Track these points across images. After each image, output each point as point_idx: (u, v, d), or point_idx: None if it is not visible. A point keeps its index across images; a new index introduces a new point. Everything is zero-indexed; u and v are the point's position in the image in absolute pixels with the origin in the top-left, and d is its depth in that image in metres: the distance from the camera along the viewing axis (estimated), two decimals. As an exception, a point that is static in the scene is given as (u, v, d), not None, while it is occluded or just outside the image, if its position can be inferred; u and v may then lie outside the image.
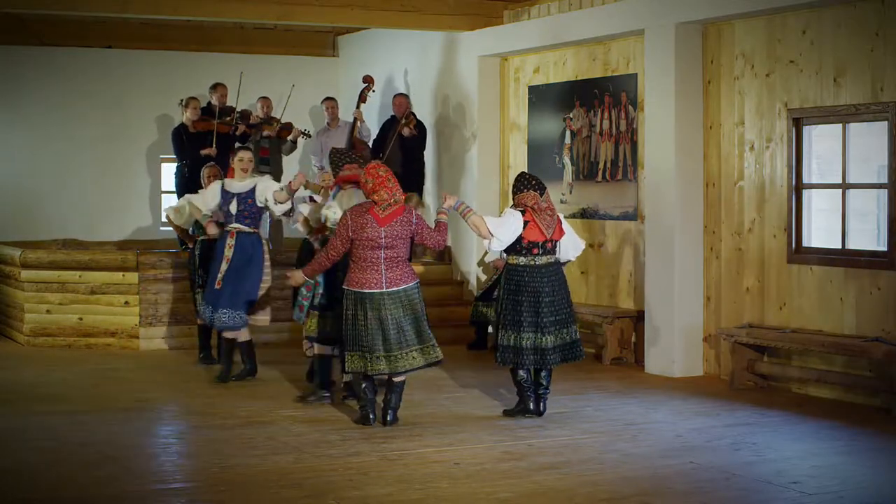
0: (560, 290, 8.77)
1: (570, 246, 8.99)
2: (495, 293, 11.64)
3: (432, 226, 8.64)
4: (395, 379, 8.48)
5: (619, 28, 11.41)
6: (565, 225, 8.93)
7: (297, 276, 8.76)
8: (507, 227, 8.63)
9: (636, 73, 11.53)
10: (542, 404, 8.87)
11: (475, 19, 13.31)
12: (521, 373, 8.76)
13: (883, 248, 9.41)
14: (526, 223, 8.66)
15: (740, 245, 10.54)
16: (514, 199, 8.83)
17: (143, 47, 15.41)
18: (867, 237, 9.78)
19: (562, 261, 8.97)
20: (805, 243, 10.04)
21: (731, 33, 10.57)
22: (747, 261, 10.47)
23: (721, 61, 10.67)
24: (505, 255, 8.86)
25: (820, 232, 10.08)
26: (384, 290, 8.31)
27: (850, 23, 9.54)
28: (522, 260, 8.70)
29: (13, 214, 14.91)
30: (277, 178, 14.25)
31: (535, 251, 8.70)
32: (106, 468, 7.29)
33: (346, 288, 8.43)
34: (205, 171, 11.38)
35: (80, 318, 12.49)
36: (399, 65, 14.93)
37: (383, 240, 8.29)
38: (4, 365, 11.46)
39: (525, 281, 8.68)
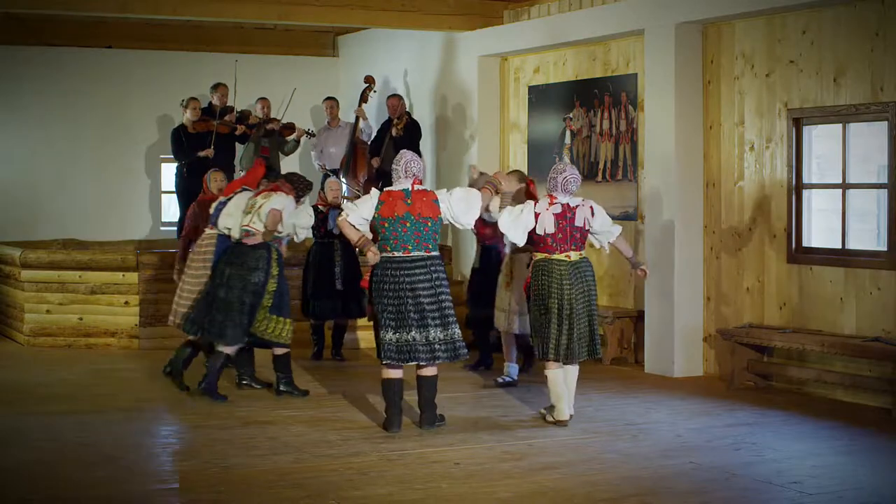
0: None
1: None
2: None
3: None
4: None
5: (619, 28, 11.40)
6: None
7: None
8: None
9: (636, 73, 11.53)
10: None
11: (475, 19, 13.31)
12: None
13: (883, 248, 9.41)
14: None
15: (740, 245, 10.53)
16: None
17: (143, 47, 15.41)
18: (867, 237, 9.78)
19: None
20: (805, 243, 10.04)
21: (731, 33, 10.57)
22: (747, 261, 10.46)
23: (721, 61, 10.67)
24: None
25: (820, 232, 10.07)
26: None
27: (850, 23, 9.54)
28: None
29: (13, 214, 14.91)
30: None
31: None
32: (106, 468, 7.29)
33: None
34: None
35: (80, 318, 12.49)
36: (399, 65, 14.93)
37: None
38: (4, 365, 11.46)
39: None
